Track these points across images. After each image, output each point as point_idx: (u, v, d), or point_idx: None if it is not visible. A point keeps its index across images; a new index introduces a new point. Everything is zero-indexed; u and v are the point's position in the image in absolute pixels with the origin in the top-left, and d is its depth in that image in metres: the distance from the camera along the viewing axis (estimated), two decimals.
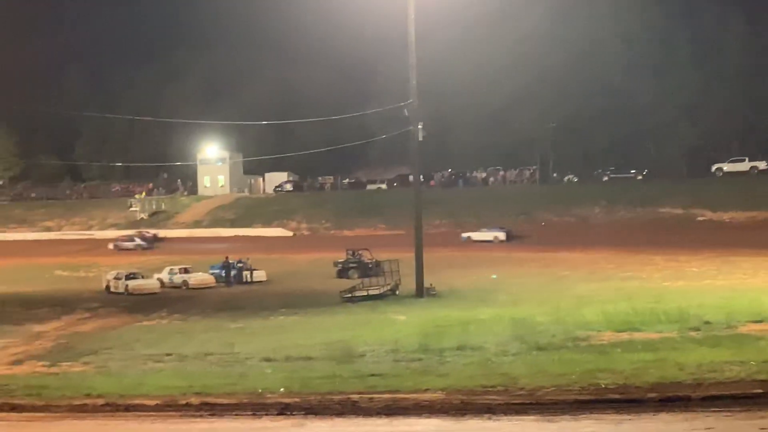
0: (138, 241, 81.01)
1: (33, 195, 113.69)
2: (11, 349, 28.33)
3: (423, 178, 60.93)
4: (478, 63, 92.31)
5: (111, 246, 79.27)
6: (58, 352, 28.00)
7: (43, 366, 25.06)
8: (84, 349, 28.27)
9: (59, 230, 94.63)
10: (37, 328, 34.18)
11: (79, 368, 24.63)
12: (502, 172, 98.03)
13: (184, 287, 50.28)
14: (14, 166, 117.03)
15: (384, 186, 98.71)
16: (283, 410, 18.18)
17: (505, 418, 16.62)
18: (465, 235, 73.65)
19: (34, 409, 19.67)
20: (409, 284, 43.10)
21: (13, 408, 19.60)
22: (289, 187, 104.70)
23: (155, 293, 48.10)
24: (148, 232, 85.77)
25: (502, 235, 72.60)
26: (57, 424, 18.75)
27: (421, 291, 42.15)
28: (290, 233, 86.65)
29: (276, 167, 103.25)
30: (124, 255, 71.92)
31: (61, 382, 22.22)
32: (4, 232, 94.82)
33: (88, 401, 19.96)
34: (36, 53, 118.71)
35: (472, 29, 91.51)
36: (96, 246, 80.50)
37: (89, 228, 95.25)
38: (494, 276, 49.33)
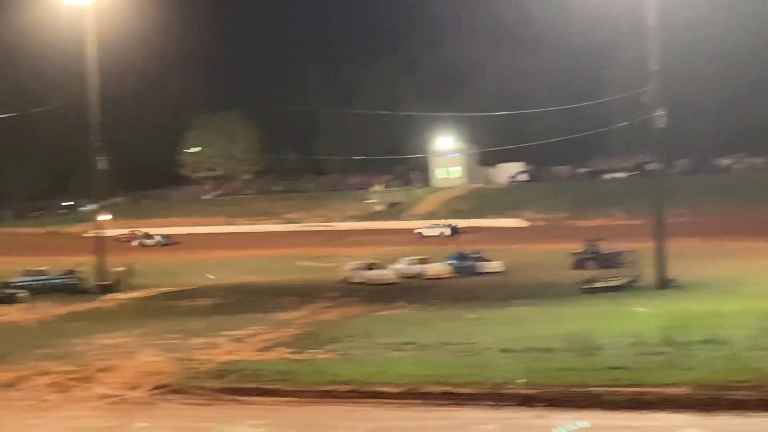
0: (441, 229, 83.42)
1: (276, 188, 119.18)
2: (261, 336, 29.60)
3: (663, 165, 58.66)
4: (719, 45, 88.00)
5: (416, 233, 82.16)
6: (303, 339, 28.98)
7: (290, 353, 25.99)
8: (327, 337, 29.12)
9: (302, 222, 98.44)
10: (283, 316, 35.54)
11: (324, 355, 25.38)
12: (747, 159, 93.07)
13: (420, 277, 50.94)
14: (259, 162, 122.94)
15: (622, 174, 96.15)
16: (525, 402, 18.02)
17: (756, 415, 15.72)
18: None
19: (283, 393, 20.49)
20: (650, 275, 41.70)
21: (265, 392, 20.52)
22: (523, 177, 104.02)
23: (392, 283, 48.99)
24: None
25: None
26: (305, 408, 19.44)
27: (663, 282, 40.72)
28: (525, 224, 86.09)
29: (510, 158, 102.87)
30: (365, 246, 73.64)
31: (308, 368, 22.97)
32: (251, 224, 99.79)
33: (334, 387, 20.58)
34: (277, 51, 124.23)
35: (713, 8, 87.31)
36: (336, 237, 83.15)
37: (329, 220, 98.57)
38: None
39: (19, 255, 71.80)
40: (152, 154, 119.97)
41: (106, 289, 47.64)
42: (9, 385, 22.30)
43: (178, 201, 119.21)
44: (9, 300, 43.25)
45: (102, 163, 53.49)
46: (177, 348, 26.94)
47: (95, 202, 60.45)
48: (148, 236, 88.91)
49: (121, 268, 51.21)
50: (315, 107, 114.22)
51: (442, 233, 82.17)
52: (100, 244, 51.98)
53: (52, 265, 54.00)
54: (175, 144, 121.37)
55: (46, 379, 22.60)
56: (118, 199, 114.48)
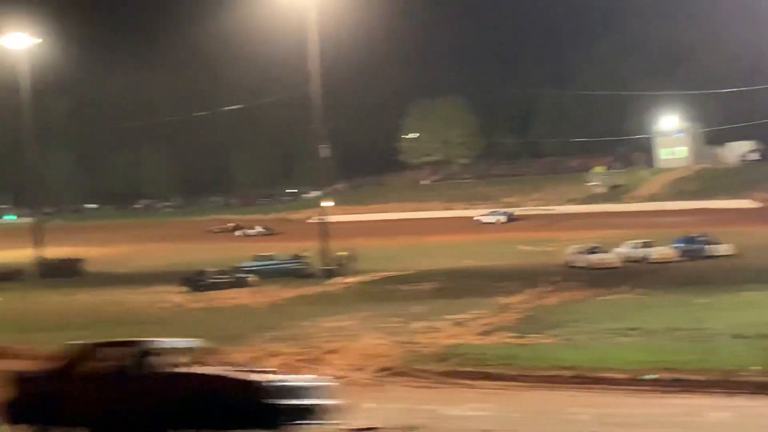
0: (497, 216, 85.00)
1: (494, 172, 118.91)
2: (482, 320, 29.61)
3: None
4: None
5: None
6: (525, 323, 28.76)
7: (512, 337, 25.85)
8: (549, 322, 28.76)
9: (519, 206, 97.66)
10: (504, 300, 35.38)
11: (546, 340, 25.08)
12: None
13: (644, 261, 49.41)
14: (477, 146, 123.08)
15: None
16: (759, 389, 17.10)
17: None
18: None
19: (505, 378, 20.39)
20: None
21: (487, 376, 20.47)
22: (754, 156, 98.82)
23: (616, 267, 47.78)
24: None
25: None
26: (528, 393, 19.25)
27: None
28: (757, 205, 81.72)
29: (739, 136, 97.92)
30: (577, 231, 72.12)
31: (530, 353, 22.76)
32: (469, 208, 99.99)
33: (557, 372, 20.29)
34: (494, 33, 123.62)
35: None
36: (555, 221, 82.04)
37: (548, 203, 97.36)
38: None
39: (249, 241, 75.24)
40: (371, 140, 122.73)
41: (330, 274, 48.96)
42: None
43: (396, 187, 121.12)
44: (240, 284, 45.34)
45: (324, 151, 55.08)
46: (399, 331, 27.34)
47: (318, 189, 62.32)
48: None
49: (344, 253, 52.51)
50: (533, 90, 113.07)
51: (498, 220, 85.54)
52: (324, 230, 53.54)
53: (279, 250, 56.14)
54: (394, 130, 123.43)
55: (276, 360, 23.46)
56: (339, 186, 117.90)
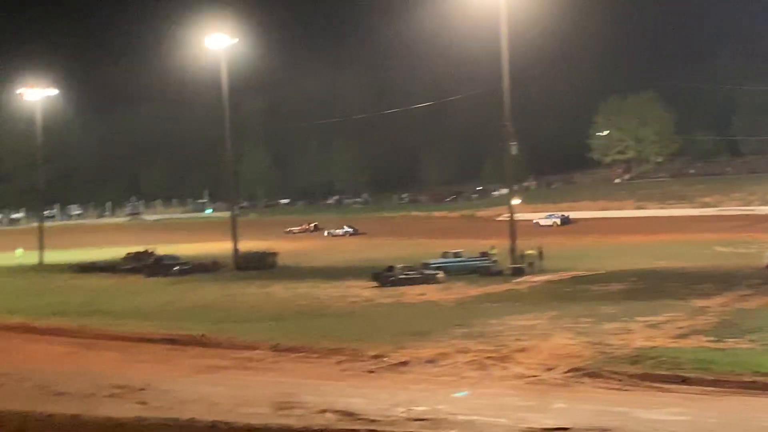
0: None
1: (691, 171, 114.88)
2: (676, 323, 28.57)
3: None
4: None
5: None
6: (722, 328, 27.55)
7: (709, 341, 24.83)
8: (748, 327, 27.43)
9: (718, 206, 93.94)
10: (700, 303, 34.03)
11: (745, 345, 23.96)
12: None
13: None
14: (672, 144, 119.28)
15: None
16: None
17: None
18: None
19: (702, 382, 19.63)
20: None
21: (683, 380, 19.76)
22: None
23: None
24: None
25: None
26: (726, 399, 18.47)
27: None
28: None
29: None
30: None
31: (728, 358, 21.80)
32: (663, 208, 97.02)
33: (757, 378, 19.40)
34: (690, 28, 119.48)
35: None
36: (756, 222, 78.39)
37: (748, 203, 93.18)
38: None
39: (436, 238, 75.70)
40: (561, 138, 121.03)
41: (518, 272, 48.60)
42: (431, 361, 23.43)
43: (587, 185, 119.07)
44: (429, 280, 45.60)
45: (513, 148, 54.67)
46: (590, 332, 26.79)
47: (507, 187, 61.93)
48: None
49: (532, 252, 51.99)
50: (732, 86, 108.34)
51: (554, 223, 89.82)
52: (513, 228, 53.17)
53: (467, 247, 56.16)
54: (584, 128, 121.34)
55: (465, 357, 23.47)
56: (528, 184, 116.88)
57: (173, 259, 58.48)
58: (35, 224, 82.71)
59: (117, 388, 19.72)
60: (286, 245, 71.21)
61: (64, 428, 11.22)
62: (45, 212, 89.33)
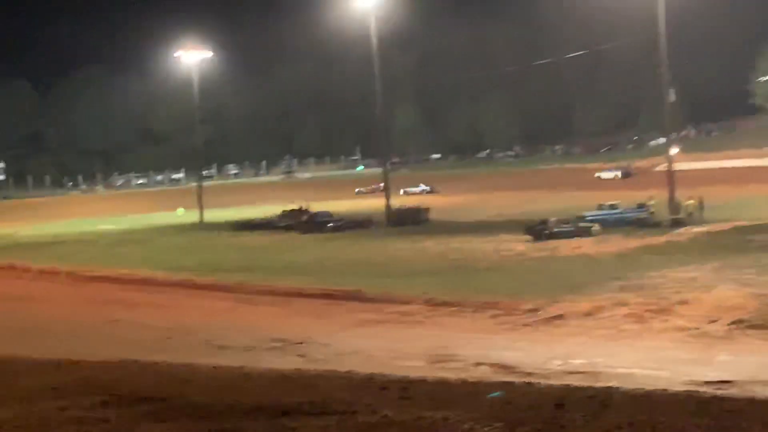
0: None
1: None
2: None
3: None
4: None
5: None
6: None
7: None
8: None
9: None
10: None
11: None
12: None
13: None
14: None
15: None
16: None
17: None
18: None
19: None
20: None
21: None
22: None
23: None
24: None
25: None
26: None
27: None
28: None
29: None
30: None
31: None
32: None
33: None
34: None
35: None
36: None
37: None
38: None
39: (590, 190, 74.21)
40: (721, 84, 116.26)
41: (676, 223, 47.21)
42: (587, 314, 23.04)
43: (749, 132, 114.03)
44: (583, 233, 44.82)
45: (671, 96, 52.83)
46: (754, 283, 25.81)
47: (664, 136, 59.98)
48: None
49: (692, 202, 50.38)
50: None
51: (616, 176, 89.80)
52: (672, 178, 51.57)
53: (623, 199, 54.85)
54: (746, 73, 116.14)
55: (623, 310, 22.98)
56: (686, 132, 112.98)
57: (327, 216, 59.44)
58: (194, 184, 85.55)
59: (276, 342, 20.23)
60: (438, 200, 71.24)
61: (229, 379, 11.53)
62: (203, 172, 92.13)
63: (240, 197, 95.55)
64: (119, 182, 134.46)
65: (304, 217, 60.03)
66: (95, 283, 36.97)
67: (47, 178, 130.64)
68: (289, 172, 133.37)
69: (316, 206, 64.95)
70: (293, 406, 8.42)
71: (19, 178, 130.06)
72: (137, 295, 31.97)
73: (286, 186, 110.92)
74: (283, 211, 63.59)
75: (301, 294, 29.75)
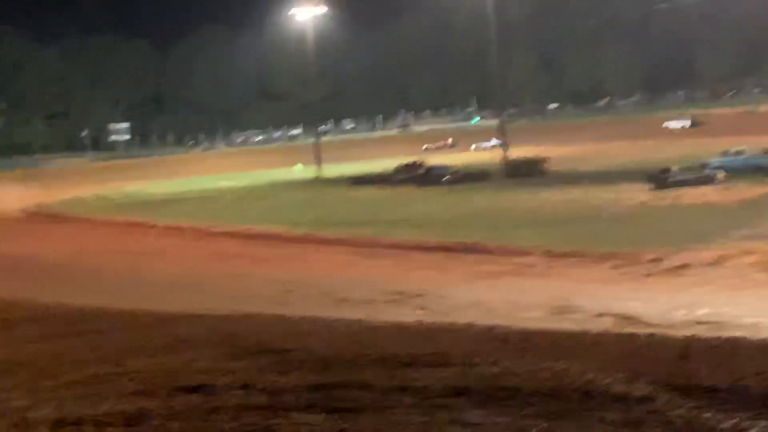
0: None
1: None
2: None
3: None
4: None
5: None
6: None
7: None
8: None
9: None
10: None
11: None
12: None
13: None
14: None
15: None
16: None
17: None
18: None
19: None
20: None
21: None
22: None
23: None
24: None
25: None
26: None
27: None
28: None
29: None
30: None
31: None
32: None
33: None
34: None
35: None
36: None
37: None
38: None
39: (714, 136, 71.96)
40: None
41: None
42: (712, 264, 22.46)
43: None
44: (707, 181, 43.56)
45: None
46: None
47: None
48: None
49: None
50: None
51: (683, 126, 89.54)
52: None
53: (749, 145, 53.00)
54: None
55: (749, 258, 22.33)
56: None
57: (443, 169, 59.32)
58: (311, 140, 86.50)
59: (395, 295, 20.38)
60: (556, 151, 70.21)
61: (350, 332, 11.67)
62: (320, 128, 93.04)
63: (356, 152, 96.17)
64: (239, 139, 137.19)
65: (421, 171, 60.06)
66: (218, 238, 37.90)
67: (170, 137, 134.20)
68: (404, 126, 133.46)
69: (433, 159, 64.86)
70: (414, 358, 8.46)
71: (143, 137, 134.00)
72: (259, 250, 32.62)
73: (402, 139, 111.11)
74: (400, 165, 63.75)
75: (419, 247, 29.85)
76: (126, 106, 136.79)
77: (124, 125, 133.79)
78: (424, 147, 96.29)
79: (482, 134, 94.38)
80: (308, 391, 7.30)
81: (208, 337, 11.18)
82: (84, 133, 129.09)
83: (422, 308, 17.65)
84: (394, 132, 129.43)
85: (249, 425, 6.37)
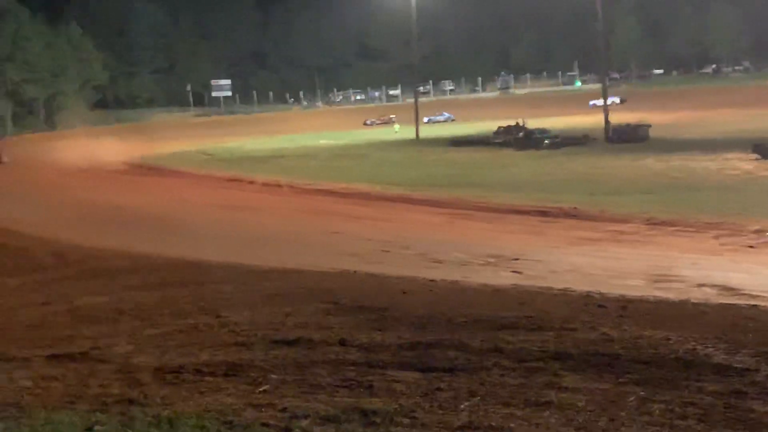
0: None
1: None
2: None
3: None
4: None
5: None
6: None
7: None
8: None
9: None
10: None
11: None
12: None
13: None
14: None
15: None
16: None
17: None
18: None
19: None
20: None
21: None
22: None
23: None
24: None
25: None
26: None
27: None
28: None
29: None
30: None
31: None
32: None
33: None
34: None
35: None
36: None
37: None
38: None
39: None
40: None
41: None
42: None
43: None
44: None
45: None
46: None
47: None
48: None
49: None
50: None
51: None
52: None
53: None
54: None
55: None
56: None
57: (543, 133, 58.63)
58: (411, 100, 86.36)
59: (491, 257, 20.26)
60: (659, 117, 68.63)
61: (445, 293, 11.69)
62: (419, 88, 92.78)
63: (455, 113, 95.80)
64: (338, 98, 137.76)
65: (520, 134, 59.51)
66: (315, 195, 38.28)
67: (270, 94, 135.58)
68: (504, 88, 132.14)
69: (532, 123, 64.15)
70: (510, 321, 8.44)
71: (244, 94, 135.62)
72: (355, 209, 32.83)
73: (501, 102, 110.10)
74: (499, 127, 63.24)
75: (516, 210, 29.63)
76: (228, 62, 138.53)
77: (226, 82, 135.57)
78: (369, 121, 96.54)
79: (585, 99, 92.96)
80: (404, 350, 7.34)
81: (307, 292, 11.33)
82: (187, 89, 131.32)
83: (518, 272, 17.51)
84: (494, 94, 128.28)
85: (345, 380, 6.45)
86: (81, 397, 6.37)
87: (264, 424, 5.44)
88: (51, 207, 35.96)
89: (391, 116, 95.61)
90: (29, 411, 5.97)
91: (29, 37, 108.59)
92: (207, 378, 6.72)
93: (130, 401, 6.17)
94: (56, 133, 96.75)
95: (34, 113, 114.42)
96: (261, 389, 6.34)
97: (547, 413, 5.50)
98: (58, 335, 9.06)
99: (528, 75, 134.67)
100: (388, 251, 21.04)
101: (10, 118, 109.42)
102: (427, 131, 73.26)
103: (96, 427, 5.46)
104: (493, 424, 5.33)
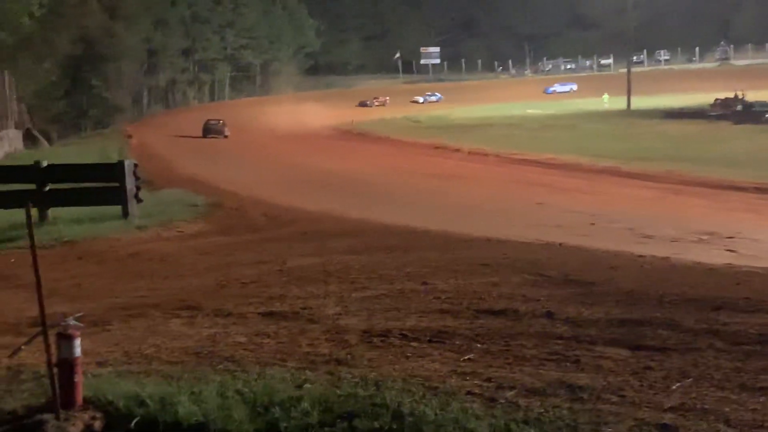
0: None
1: None
2: None
3: None
4: None
5: None
6: None
7: None
8: None
9: None
10: None
11: None
12: None
13: None
14: None
15: None
16: None
17: None
18: None
19: None
20: None
21: None
22: None
23: None
24: None
25: None
26: None
27: None
28: None
29: None
30: None
31: None
32: None
33: None
34: None
35: None
36: None
37: None
38: None
39: None
40: None
41: None
42: None
43: None
44: None
45: None
46: None
47: None
48: None
49: None
50: None
51: None
52: None
53: None
54: None
55: None
56: None
57: (764, 106, 55.76)
58: (623, 70, 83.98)
59: (704, 235, 19.45)
60: None
61: (655, 269, 11.33)
62: (633, 58, 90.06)
63: (669, 85, 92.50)
64: (548, 67, 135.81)
65: (739, 107, 56.85)
66: (521, 165, 37.98)
67: (479, 62, 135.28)
68: (723, 59, 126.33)
69: (753, 96, 61.05)
70: (725, 302, 8.10)
71: (453, 62, 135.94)
72: (561, 180, 32.36)
73: (719, 73, 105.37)
74: (716, 99, 60.63)
75: (732, 186, 28.36)
76: (437, 30, 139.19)
77: (435, 49, 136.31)
78: (367, 102, 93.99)
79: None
80: (613, 326, 7.19)
81: (512, 263, 11.26)
82: (396, 56, 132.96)
83: (733, 251, 16.72)
84: (712, 65, 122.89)
85: (551, 354, 6.38)
86: (291, 355, 6.59)
87: (469, 393, 5.45)
88: (264, 170, 37.40)
89: (386, 98, 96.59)
90: (244, 366, 6.23)
91: (248, 4, 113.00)
92: (413, 343, 6.80)
93: (338, 362, 6.33)
94: (269, 98, 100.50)
95: (251, 78, 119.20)
96: (466, 357, 6.35)
97: (763, 399, 5.32)
98: (271, 294, 9.39)
99: (749, 45, 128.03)
100: (594, 224, 20.57)
101: (227, 84, 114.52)
102: (639, 102, 71.11)
103: (306, 385, 5.62)
104: (706, 407, 5.17)
